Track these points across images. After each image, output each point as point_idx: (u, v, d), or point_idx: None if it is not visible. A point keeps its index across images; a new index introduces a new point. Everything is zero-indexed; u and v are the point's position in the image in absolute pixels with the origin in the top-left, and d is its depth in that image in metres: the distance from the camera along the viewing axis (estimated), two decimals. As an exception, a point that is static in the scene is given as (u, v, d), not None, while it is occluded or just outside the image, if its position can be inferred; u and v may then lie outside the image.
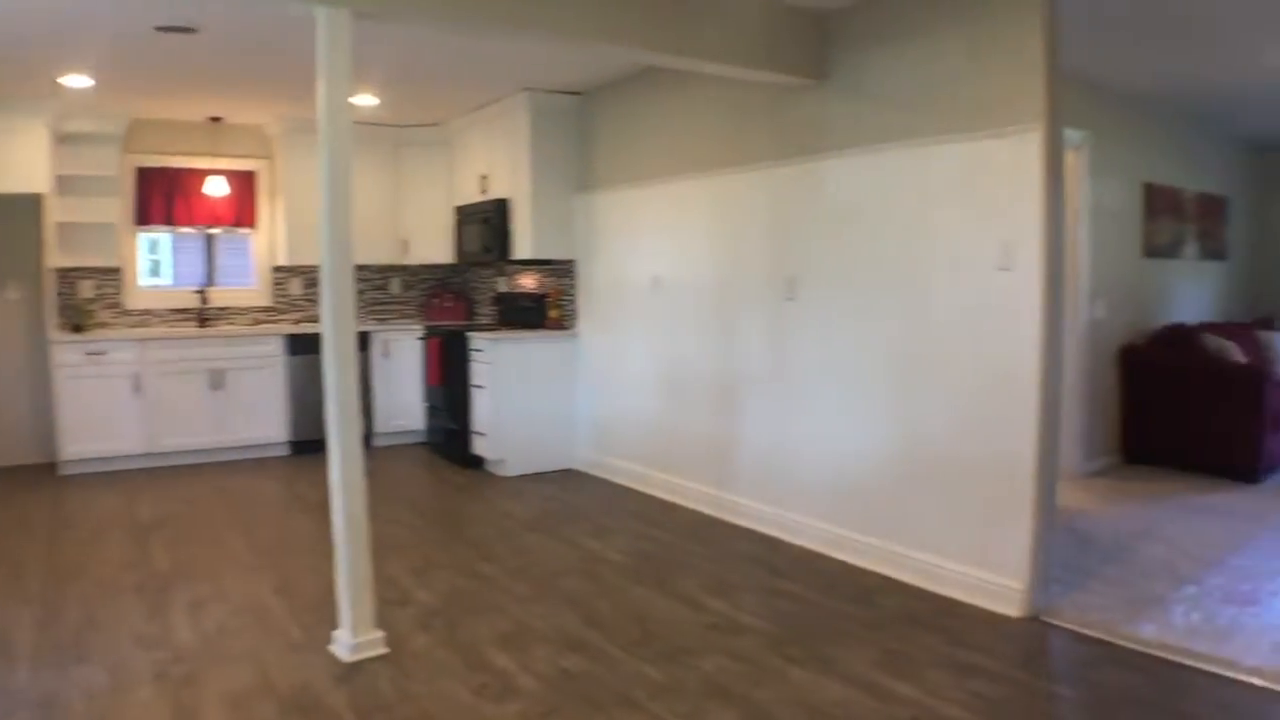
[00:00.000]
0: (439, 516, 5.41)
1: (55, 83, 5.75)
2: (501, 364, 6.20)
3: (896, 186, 4.19)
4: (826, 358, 4.56)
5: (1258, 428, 5.89)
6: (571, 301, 6.59)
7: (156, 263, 7.36)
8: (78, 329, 6.69)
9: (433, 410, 7.18)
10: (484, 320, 7.87)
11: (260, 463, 6.81)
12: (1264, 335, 6.94)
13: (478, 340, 6.40)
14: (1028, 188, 3.64)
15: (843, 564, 4.41)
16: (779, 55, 4.44)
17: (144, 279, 7.23)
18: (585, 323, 6.45)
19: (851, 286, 4.42)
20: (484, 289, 7.98)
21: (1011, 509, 3.74)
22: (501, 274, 7.62)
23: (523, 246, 6.47)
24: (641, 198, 5.83)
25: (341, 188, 3.32)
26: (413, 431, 7.48)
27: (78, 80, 5.69)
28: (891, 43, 4.21)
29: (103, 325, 6.92)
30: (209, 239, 7.42)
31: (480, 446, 6.42)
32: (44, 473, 6.45)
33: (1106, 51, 5.14)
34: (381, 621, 3.51)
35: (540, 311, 6.77)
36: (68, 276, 6.83)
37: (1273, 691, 3.04)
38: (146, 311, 7.16)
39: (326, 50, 3.28)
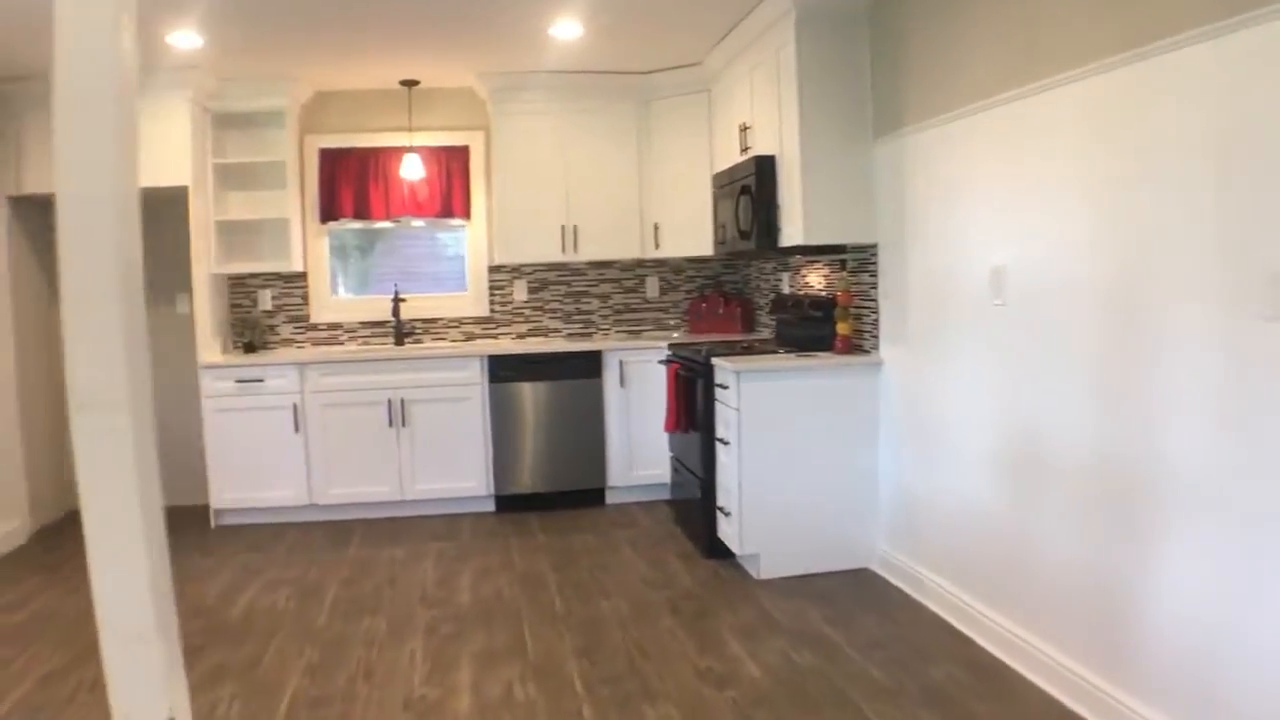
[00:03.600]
0: (626, 665, 3.44)
1: (166, 45, 4.66)
2: (753, 409, 4.22)
3: None
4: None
5: None
6: (872, 310, 4.47)
7: (360, 267, 6.31)
8: (250, 348, 5.77)
9: (677, 465, 5.40)
10: (764, 334, 5.97)
11: (454, 523, 5.39)
12: None
13: (721, 370, 4.49)
14: None
15: None
16: None
17: (336, 286, 6.15)
18: (890, 345, 4.28)
19: None
20: (768, 290, 6.04)
21: None
22: (785, 266, 5.64)
23: (791, 225, 4.45)
24: (972, 132, 3.51)
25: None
26: (662, 486, 5.67)
27: (185, 38, 4.58)
28: None
29: (286, 343, 5.94)
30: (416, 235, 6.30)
31: (725, 529, 4.50)
32: (196, 521, 5.45)
33: None
34: None
35: (830, 324, 4.65)
36: (245, 286, 5.94)
37: None
38: (336, 326, 6.10)
39: None
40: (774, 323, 5.64)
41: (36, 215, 5.55)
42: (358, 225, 6.08)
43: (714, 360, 4.55)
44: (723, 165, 5.30)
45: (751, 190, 4.64)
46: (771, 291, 5.87)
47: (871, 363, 4.35)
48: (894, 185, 4.17)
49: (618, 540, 5.01)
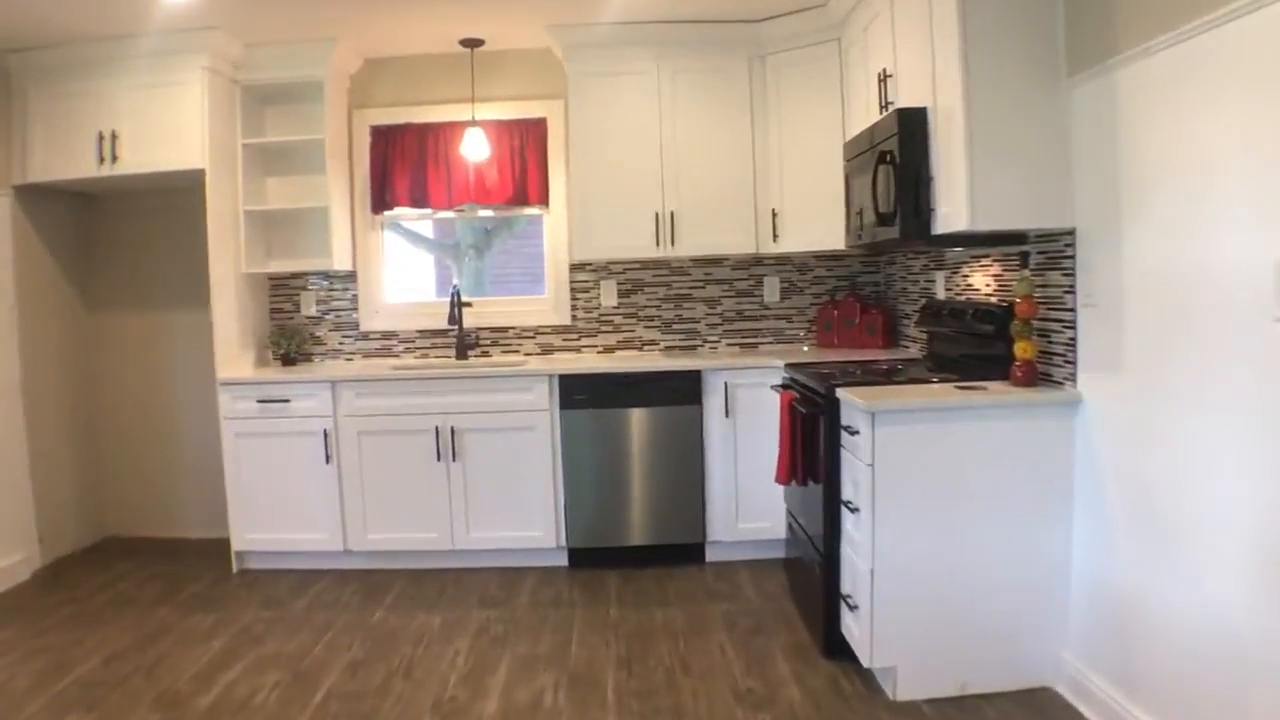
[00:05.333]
0: None
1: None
2: (892, 464, 2.94)
3: None
4: None
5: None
6: (1065, 324, 3.06)
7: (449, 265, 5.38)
8: (288, 360, 4.86)
9: (793, 522, 4.09)
10: (910, 352, 4.59)
11: (512, 582, 4.27)
12: None
13: (849, 406, 3.19)
14: None
15: None
16: None
17: (392, 288, 5.15)
18: (1094, 375, 2.89)
19: None
20: (914, 294, 4.66)
21: None
22: (939, 264, 4.28)
23: (950, 205, 3.11)
24: (1233, 46, 2.14)
25: None
26: (775, 542, 4.39)
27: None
28: None
29: (334, 354, 5.00)
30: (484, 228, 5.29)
31: (850, 627, 3.21)
32: (218, 563, 4.58)
33: None
34: None
35: (1003, 342, 3.28)
36: (288, 288, 5.03)
37: None
38: (390, 335, 5.11)
39: None
40: (924, 337, 4.31)
41: (46, 206, 4.74)
42: (414, 214, 5.04)
43: (839, 392, 3.26)
44: (858, 130, 3.99)
45: (894, 157, 3.33)
46: (921, 296, 4.52)
47: (1064, 400, 2.98)
48: (1100, 143, 2.79)
49: (712, 619, 3.78)
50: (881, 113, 3.69)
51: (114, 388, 5.20)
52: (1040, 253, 3.26)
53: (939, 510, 3.01)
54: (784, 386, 3.98)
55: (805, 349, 4.99)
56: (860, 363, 4.13)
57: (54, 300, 4.88)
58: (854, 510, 3.13)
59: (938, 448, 3.00)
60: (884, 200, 3.47)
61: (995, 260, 3.66)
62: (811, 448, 3.56)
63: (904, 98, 3.48)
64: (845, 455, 3.27)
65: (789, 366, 4.11)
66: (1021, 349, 3.20)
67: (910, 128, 3.29)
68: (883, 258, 5.09)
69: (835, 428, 3.31)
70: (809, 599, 3.70)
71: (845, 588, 3.28)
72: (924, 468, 3.00)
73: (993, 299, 3.66)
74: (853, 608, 3.17)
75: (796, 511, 3.97)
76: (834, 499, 3.34)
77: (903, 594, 3.03)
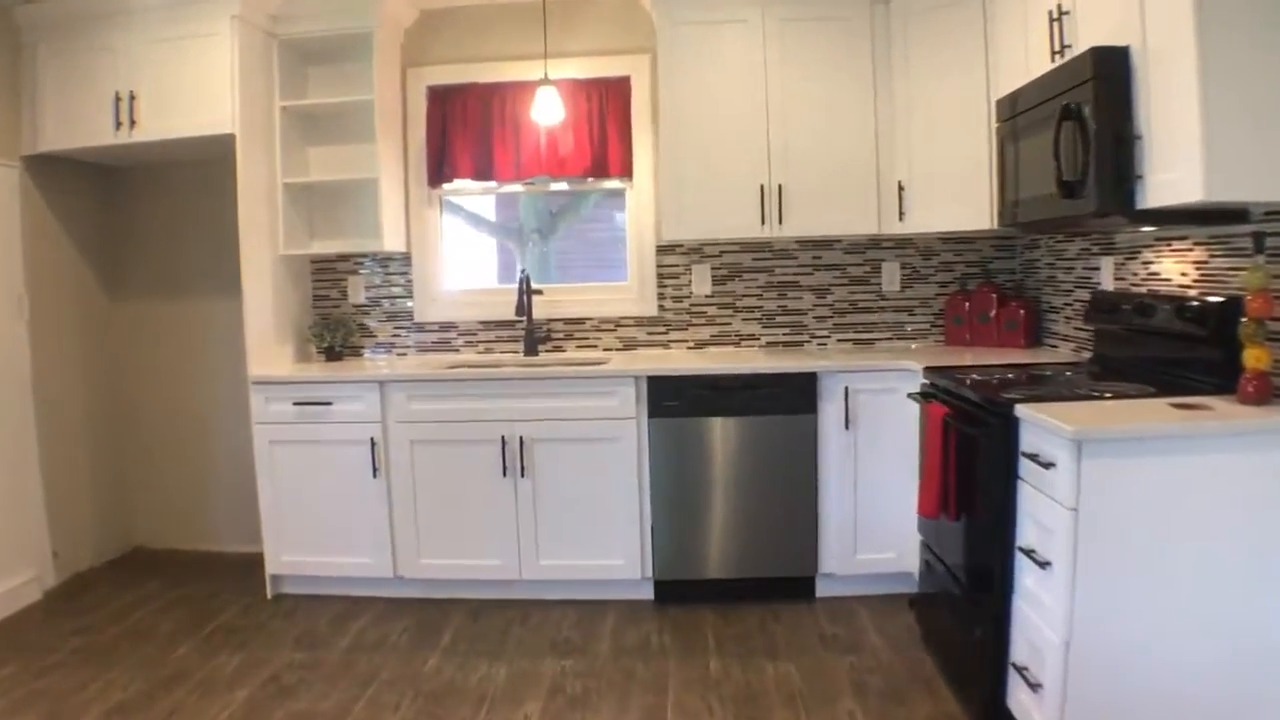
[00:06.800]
0: None
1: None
2: (1103, 511, 2.26)
3: None
4: None
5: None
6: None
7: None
8: (333, 355, 4.35)
9: (932, 559, 3.39)
10: (1062, 353, 3.92)
11: (591, 621, 3.67)
12: None
13: (1037, 428, 2.49)
14: None
15: None
16: None
17: (452, 272, 4.62)
18: None
19: None
20: (1067, 284, 3.96)
21: None
22: (1106, 248, 3.56)
23: (1172, 170, 2.39)
24: None
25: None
26: (900, 576, 3.76)
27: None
28: None
29: (386, 349, 4.51)
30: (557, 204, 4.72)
31: (1026, 703, 2.52)
32: (253, 585, 4.07)
33: None
34: None
35: (1220, 347, 2.61)
36: (334, 272, 4.52)
37: None
38: (449, 326, 4.61)
39: None
40: (1085, 336, 3.64)
41: (62, 180, 4.25)
42: (478, 187, 4.49)
43: (1021, 410, 2.56)
44: (1012, 85, 3.28)
45: (1082, 112, 2.64)
46: (1075, 285, 3.82)
47: (1318, 422, 2.39)
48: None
49: (835, 677, 3.13)
50: (1054, 59, 3.00)
51: (139, 383, 4.73)
52: (1272, 234, 2.62)
53: (1153, 570, 2.31)
54: (929, 396, 3.30)
55: (914, 346, 4.33)
56: (1010, 366, 3.44)
57: (70, 285, 4.40)
58: (1042, 565, 2.45)
59: (1157, 487, 2.30)
60: (1069, 166, 2.78)
61: (1199, 242, 2.95)
62: (968, 477, 2.91)
63: (1090, 37, 2.76)
64: (1026, 491, 2.58)
65: (930, 370, 3.43)
66: (1255, 357, 2.51)
67: (1109, 70, 2.57)
68: (1021, 240, 4.38)
69: (1011, 455, 2.62)
70: (954, 654, 3.05)
71: (1019, 656, 2.61)
72: (1141, 514, 2.30)
73: (1191, 291, 3.00)
74: (1033, 686, 2.50)
75: (935, 543, 3.29)
76: (1005, 544, 2.66)
77: (1105, 675, 2.36)
